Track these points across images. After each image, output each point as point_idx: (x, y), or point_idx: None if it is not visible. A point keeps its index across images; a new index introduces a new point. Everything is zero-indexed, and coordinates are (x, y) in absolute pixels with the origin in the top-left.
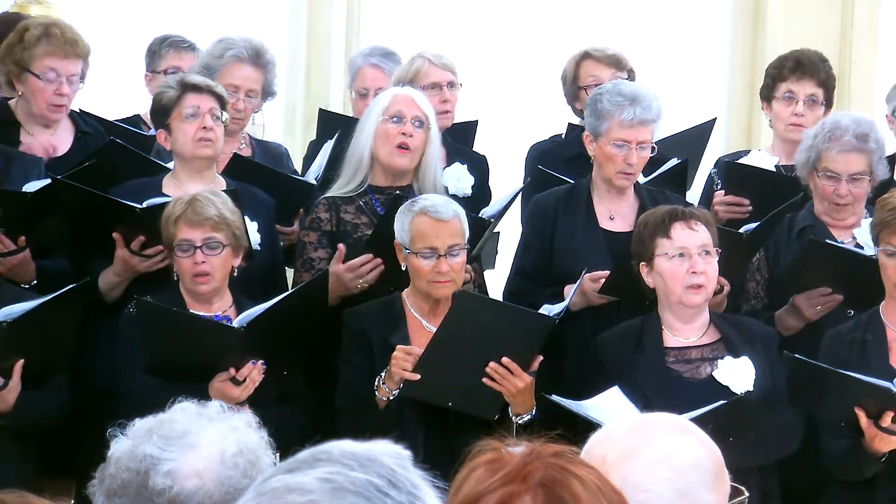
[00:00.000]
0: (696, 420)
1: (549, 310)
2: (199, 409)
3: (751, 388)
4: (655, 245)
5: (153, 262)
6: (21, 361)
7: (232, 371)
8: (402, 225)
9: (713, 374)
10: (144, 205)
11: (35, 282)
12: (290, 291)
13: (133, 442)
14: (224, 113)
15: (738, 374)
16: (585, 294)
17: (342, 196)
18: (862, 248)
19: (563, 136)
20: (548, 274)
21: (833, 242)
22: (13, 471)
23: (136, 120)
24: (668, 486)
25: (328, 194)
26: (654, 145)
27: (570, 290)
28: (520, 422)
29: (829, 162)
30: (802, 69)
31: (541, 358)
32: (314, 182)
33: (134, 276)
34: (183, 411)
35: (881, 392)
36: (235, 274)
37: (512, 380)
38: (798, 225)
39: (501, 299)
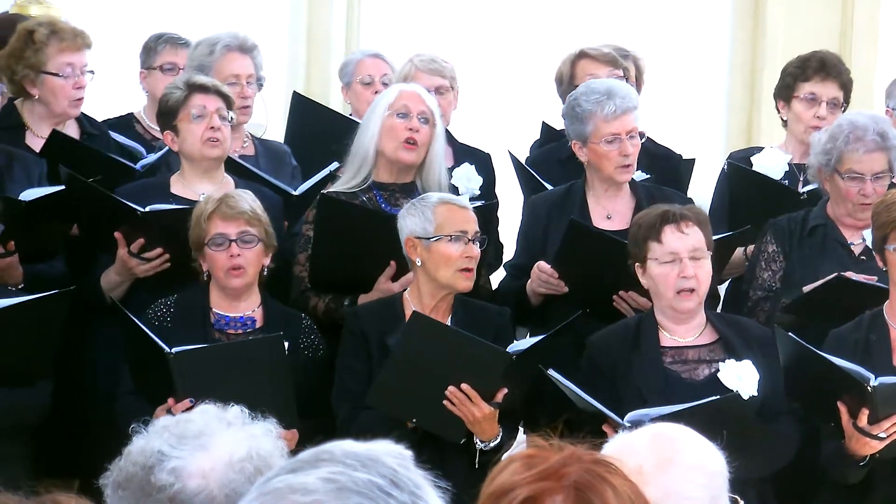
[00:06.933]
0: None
1: (515, 345)
2: (219, 412)
3: (755, 394)
4: (648, 248)
5: (151, 266)
6: None
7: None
8: (422, 216)
9: (718, 375)
10: (147, 209)
11: (22, 285)
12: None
13: (147, 437)
14: (231, 112)
15: (741, 377)
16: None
17: (346, 192)
18: (871, 249)
19: (538, 138)
20: None
21: (857, 278)
22: (9, 471)
23: (129, 119)
24: (706, 492)
25: (331, 189)
26: (642, 132)
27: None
28: (484, 448)
29: (852, 163)
30: (826, 71)
31: (505, 391)
32: (294, 193)
33: (133, 278)
34: (203, 413)
35: (856, 383)
36: (265, 273)
37: (470, 407)
38: (810, 223)
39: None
